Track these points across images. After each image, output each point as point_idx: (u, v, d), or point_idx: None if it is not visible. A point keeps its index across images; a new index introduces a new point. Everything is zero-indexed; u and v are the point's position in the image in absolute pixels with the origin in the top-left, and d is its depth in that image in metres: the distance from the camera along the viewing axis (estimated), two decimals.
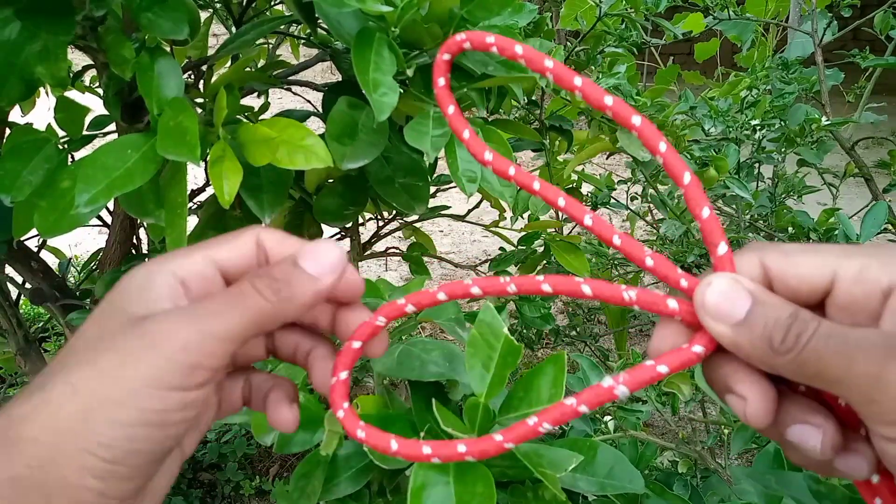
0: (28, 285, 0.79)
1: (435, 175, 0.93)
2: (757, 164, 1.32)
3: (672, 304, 0.25)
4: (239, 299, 0.26)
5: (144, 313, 0.25)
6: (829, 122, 1.17)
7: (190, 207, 0.82)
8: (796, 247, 0.25)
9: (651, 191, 1.22)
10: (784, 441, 0.25)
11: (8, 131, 0.65)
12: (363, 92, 0.47)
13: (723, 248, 0.25)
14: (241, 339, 0.26)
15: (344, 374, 0.29)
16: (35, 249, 0.83)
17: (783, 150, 1.26)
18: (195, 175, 0.59)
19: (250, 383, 0.31)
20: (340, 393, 0.29)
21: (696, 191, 0.26)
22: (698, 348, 0.25)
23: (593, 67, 1.12)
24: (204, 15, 0.71)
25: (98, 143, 0.55)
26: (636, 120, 0.26)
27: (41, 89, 0.64)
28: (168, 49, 0.56)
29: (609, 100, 0.26)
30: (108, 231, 0.78)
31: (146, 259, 0.73)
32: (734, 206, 1.45)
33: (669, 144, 0.26)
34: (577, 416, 0.26)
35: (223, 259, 0.27)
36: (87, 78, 0.79)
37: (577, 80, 0.27)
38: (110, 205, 0.79)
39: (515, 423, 0.27)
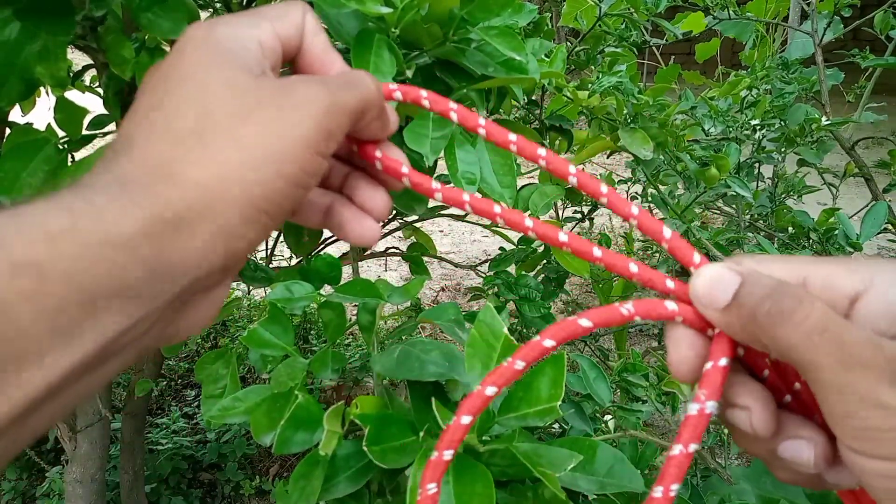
0: None
1: (435, 175, 0.93)
2: (757, 164, 1.32)
3: (671, 304, 0.25)
4: (355, 82, 0.27)
5: (259, 72, 0.26)
6: (829, 122, 1.17)
7: None
8: (769, 256, 0.25)
9: (652, 190, 1.22)
10: (775, 458, 0.25)
11: (8, 131, 0.65)
12: None
13: (697, 257, 0.26)
14: (357, 119, 0.27)
15: (467, 420, 0.27)
16: None
17: (783, 149, 1.26)
18: None
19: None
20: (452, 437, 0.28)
21: (648, 221, 0.27)
22: (723, 361, 0.25)
23: (593, 67, 1.12)
24: (204, 15, 0.71)
25: (98, 143, 0.55)
26: (542, 151, 0.28)
27: (41, 89, 0.64)
28: (168, 49, 0.57)
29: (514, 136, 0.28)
30: None
31: None
32: (734, 206, 1.45)
33: (580, 170, 0.28)
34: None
35: (283, 32, 0.28)
36: (87, 78, 0.79)
37: (481, 124, 0.29)
38: None
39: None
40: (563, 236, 0.27)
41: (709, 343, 0.25)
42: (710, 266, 0.25)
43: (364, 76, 0.28)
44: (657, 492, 0.25)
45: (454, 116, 0.29)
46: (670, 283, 0.26)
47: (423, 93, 0.30)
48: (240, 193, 0.23)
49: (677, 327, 0.26)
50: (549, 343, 0.26)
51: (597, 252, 0.27)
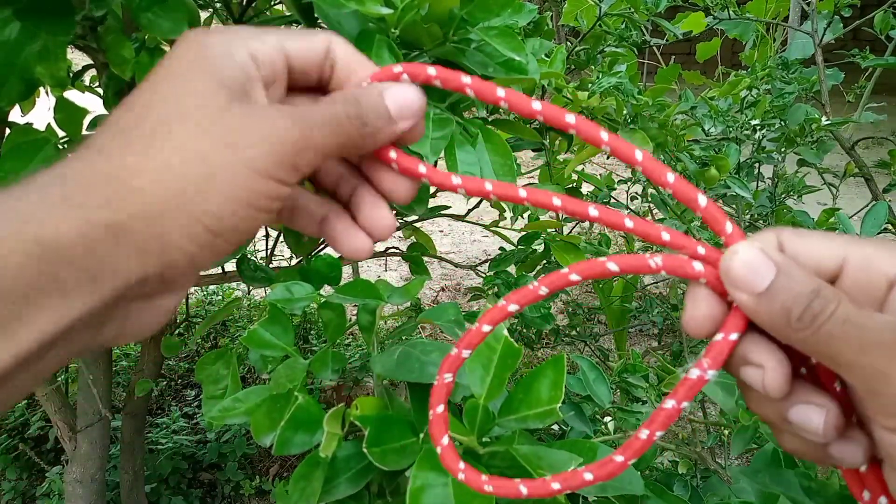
0: None
1: None
2: (757, 164, 1.32)
3: (698, 266, 0.25)
4: (334, 120, 0.26)
5: (242, 96, 0.25)
6: (829, 122, 1.17)
7: None
8: (811, 231, 0.25)
9: (651, 190, 1.22)
10: (784, 423, 0.25)
11: (8, 131, 0.65)
12: None
13: (729, 227, 0.25)
14: (327, 157, 0.27)
15: (441, 408, 0.30)
16: None
17: (783, 149, 1.26)
18: None
19: (295, 204, 0.31)
20: (439, 427, 0.30)
21: (683, 185, 0.26)
22: (734, 335, 0.25)
23: (593, 67, 1.12)
24: (204, 15, 0.71)
25: None
26: (604, 135, 0.26)
27: (41, 89, 0.64)
28: (168, 49, 0.56)
29: (571, 118, 0.27)
30: None
31: None
32: (734, 206, 1.45)
33: (645, 152, 0.26)
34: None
35: (293, 49, 0.27)
36: (87, 78, 0.79)
37: (537, 105, 0.27)
38: None
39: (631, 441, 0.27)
40: (593, 210, 0.27)
41: (726, 308, 0.25)
42: (746, 248, 0.24)
43: (367, 110, 0.27)
44: (643, 433, 0.26)
45: (470, 92, 0.28)
46: (701, 250, 0.26)
47: (432, 70, 0.28)
48: (180, 208, 0.23)
49: (699, 287, 0.26)
50: (574, 277, 0.26)
51: (629, 223, 0.27)
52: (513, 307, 0.27)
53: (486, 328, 0.28)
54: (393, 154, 0.29)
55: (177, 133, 0.24)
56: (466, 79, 0.28)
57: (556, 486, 0.27)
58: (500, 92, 0.28)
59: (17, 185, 0.22)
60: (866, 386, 0.23)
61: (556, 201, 0.27)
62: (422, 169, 0.29)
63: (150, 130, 0.24)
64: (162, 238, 0.23)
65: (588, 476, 0.27)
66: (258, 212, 0.25)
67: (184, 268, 0.24)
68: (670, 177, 0.26)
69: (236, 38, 0.26)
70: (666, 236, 0.26)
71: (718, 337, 0.25)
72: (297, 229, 0.31)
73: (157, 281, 0.24)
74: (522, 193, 0.28)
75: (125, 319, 0.25)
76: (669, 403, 0.25)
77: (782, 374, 0.24)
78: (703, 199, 0.26)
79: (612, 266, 0.26)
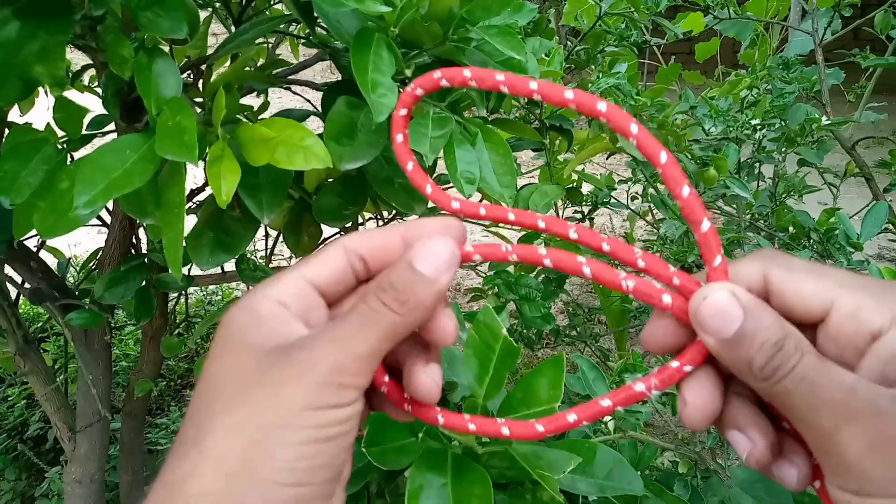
0: (27, 285, 0.79)
1: (434, 175, 0.93)
2: (757, 164, 1.32)
3: (667, 298, 0.26)
4: (372, 317, 0.26)
5: (274, 344, 0.25)
6: (829, 122, 1.17)
7: (190, 207, 0.82)
8: (802, 264, 0.25)
9: (651, 190, 1.22)
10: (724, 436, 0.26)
11: (7, 131, 0.65)
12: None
13: (717, 260, 0.25)
14: (382, 354, 0.26)
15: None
16: (34, 249, 0.83)
17: (783, 149, 1.26)
18: (194, 175, 0.59)
19: None
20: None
21: (695, 202, 0.26)
22: (688, 367, 0.26)
23: (593, 67, 1.12)
24: (203, 14, 0.70)
25: (97, 142, 0.55)
26: (633, 128, 0.26)
27: (40, 89, 0.64)
28: (167, 48, 0.56)
29: (603, 106, 0.26)
30: (107, 231, 0.78)
31: (145, 260, 0.73)
32: (734, 206, 1.45)
33: (670, 154, 0.26)
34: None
35: (314, 276, 0.28)
36: (86, 77, 0.78)
37: (569, 94, 0.27)
38: (109, 204, 0.79)
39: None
40: (573, 233, 0.27)
41: (687, 335, 0.26)
42: (717, 292, 0.24)
43: (402, 287, 0.26)
44: (570, 416, 0.27)
45: (504, 89, 0.27)
46: (677, 280, 0.26)
47: (467, 72, 0.27)
48: (254, 485, 0.23)
49: (665, 315, 0.26)
50: (547, 261, 0.27)
51: (606, 246, 0.27)
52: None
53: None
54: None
55: (222, 419, 0.24)
56: (500, 76, 0.27)
57: (539, 427, 0.28)
58: (534, 84, 0.27)
59: None
60: (816, 444, 0.23)
61: (541, 223, 0.28)
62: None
63: (197, 432, 0.24)
64: None
65: (505, 430, 0.28)
66: (327, 442, 0.24)
67: None
68: (685, 190, 0.25)
69: (256, 293, 0.27)
70: (642, 263, 0.26)
71: (674, 364, 0.26)
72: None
73: None
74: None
75: None
76: (606, 402, 0.27)
77: (702, 416, 0.25)
78: (705, 224, 0.25)
79: (587, 270, 0.26)
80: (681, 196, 0.25)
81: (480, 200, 1.08)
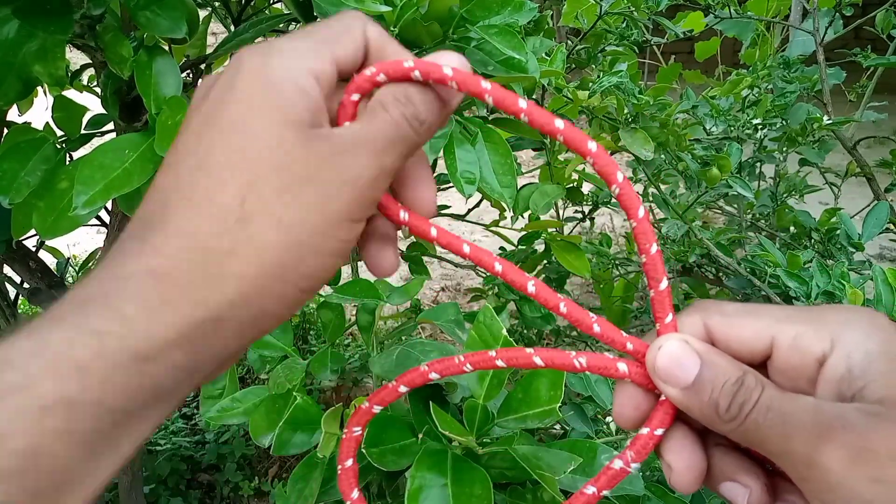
0: (26, 285, 0.79)
1: (434, 174, 0.92)
2: (759, 164, 1.32)
3: (622, 367, 0.26)
4: (398, 132, 0.25)
5: (313, 128, 0.24)
6: (830, 122, 1.17)
7: None
8: (736, 308, 0.25)
9: (653, 190, 1.21)
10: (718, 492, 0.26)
11: (6, 131, 0.65)
12: None
13: (669, 317, 0.26)
14: (400, 168, 0.26)
15: (349, 462, 0.31)
16: (33, 249, 0.83)
17: (785, 149, 1.26)
18: None
19: None
20: (348, 481, 0.31)
21: (658, 261, 0.26)
22: (659, 431, 0.25)
23: (594, 66, 1.12)
24: (202, 13, 0.70)
25: (96, 142, 0.55)
26: (592, 146, 0.25)
27: (39, 88, 0.63)
28: (166, 48, 0.56)
29: (559, 123, 0.26)
30: (106, 230, 0.77)
31: None
32: (736, 206, 1.45)
33: (646, 209, 0.26)
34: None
35: (341, 56, 0.26)
36: (85, 77, 0.78)
37: (523, 104, 0.26)
38: (109, 204, 0.79)
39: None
40: (531, 286, 0.27)
41: (654, 400, 0.26)
42: (669, 342, 0.25)
43: (421, 105, 0.25)
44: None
45: (489, 99, 0.26)
46: (630, 345, 0.26)
47: (448, 71, 0.25)
48: (277, 281, 0.23)
49: (626, 384, 0.26)
50: (500, 362, 0.27)
51: (563, 308, 0.27)
52: (403, 388, 0.29)
53: (377, 408, 0.30)
54: (404, 215, 0.28)
55: (267, 201, 0.23)
56: (486, 84, 0.26)
57: (591, 489, 0.28)
58: (523, 104, 0.26)
59: (112, 285, 0.22)
60: (796, 473, 0.23)
61: (498, 266, 0.28)
62: (433, 232, 0.29)
63: (239, 202, 0.23)
64: (261, 315, 0.23)
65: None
66: (342, 257, 0.25)
67: (272, 328, 0.24)
68: (653, 248, 0.26)
69: (297, 58, 0.24)
70: (597, 328, 0.26)
71: (644, 431, 0.26)
72: None
73: (243, 349, 0.24)
74: (498, 267, 0.28)
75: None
76: (590, 489, 0.27)
77: (689, 478, 0.25)
78: (664, 283, 0.26)
79: (538, 360, 0.26)
80: (648, 252, 0.26)
81: (480, 201, 1.08)
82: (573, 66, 1.13)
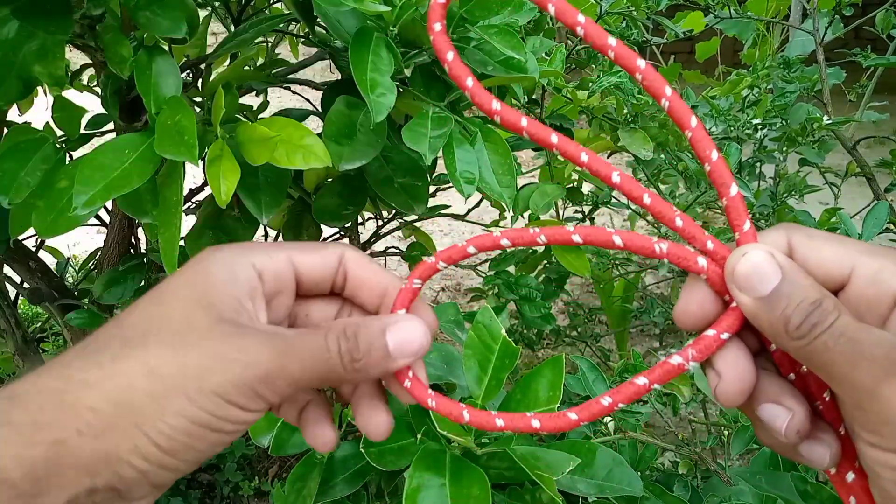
0: (26, 285, 0.79)
1: (434, 174, 0.93)
2: (758, 164, 1.31)
3: (702, 261, 0.25)
4: (322, 356, 0.26)
5: (232, 316, 0.25)
6: (830, 122, 1.17)
7: (189, 207, 0.82)
8: (823, 234, 0.25)
9: (653, 189, 1.21)
10: (755, 418, 0.26)
11: (6, 131, 0.65)
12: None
13: (747, 225, 0.25)
14: (302, 387, 0.26)
15: (417, 283, 0.29)
16: (33, 249, 0.83)
17: (785, 149, 1.26)
18: (193, 174, 0.59)
19: None
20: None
21: (723, 167, 0.26)
22: (725, 335, 0.25)
23: (594, 66, 1.12)
24: (202, 13, 0.70)
25: (96, 142, 0.55)
26: (667, 91, 0.26)
27: (39, 88, 0.63)
28: (166, 48, 0.56)
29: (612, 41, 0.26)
30: (106, 230, 0.77)
31: (144, 259, 0.73)
32: None
33: (699, 120, 0.26)
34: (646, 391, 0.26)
35: (304, 264, 0.28)
36: (85, 77, 0.78)
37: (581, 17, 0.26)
38: (108, 204, 0.79)
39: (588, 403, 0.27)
40: (616, 176, 0.27)
41: (721, 308, 0.26)
42: (755, 250, 0.24)
43: (363, 346, 0.26)
44: (605, 400, 0.26)
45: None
46: (710, 245, 0.26)
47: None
48: (129, 425, 0.23)
49: (698, 282, 0.26)
50: (577, 238, 0.26)
51: (647, 199, 0.26)
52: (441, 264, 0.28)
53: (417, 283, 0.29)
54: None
55: (144, 352, 0.24)
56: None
57: (535, 423, 0.27)
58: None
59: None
60: (853, 401, 0.23)
61: (542, 238, 0.27)
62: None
63: (121, 347, 0.24)
64: (109, 454, 0.23)
65: (535, 423, 0.27)
66: (215, 433, 0.25)
67: (136, 482, 0.24)
68: (714, 154, 0.26)
69: (243, 254, 0.27)
70: (679, 222, 0.26)
71: (710, 332, 0.25)
72: (279, 415, 0.31)
73: (108, 491, 0.24)
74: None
75: None
76: (641, 380, 0.26)
77: (737, 388, 0.25)
78: (734, 189, 0.26)
79: (617, 239, 0.26)
80: (709, 159, 0.25)
81: (480, 201, 1.08)
82: (573, 66, 1.12)
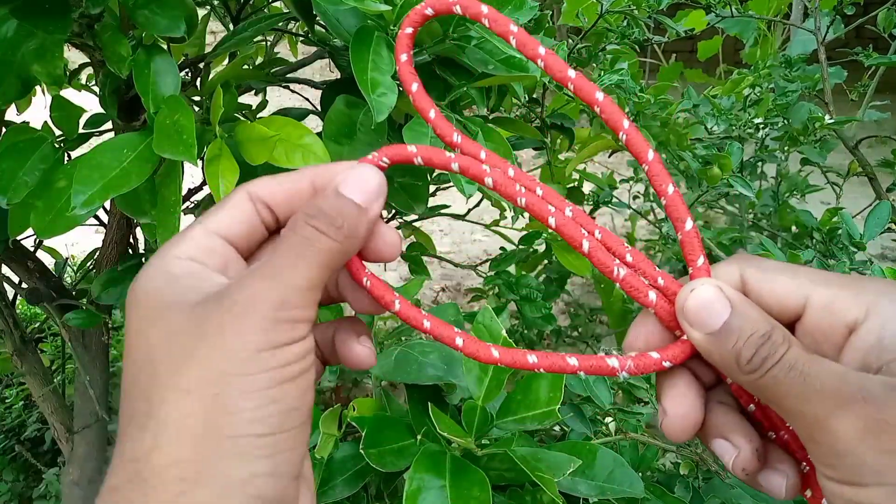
0: (24, 285, 0.79)
1: (435, 174, 0.92)
2: (760, 163, 1.31)
3: (652, 296, 0.26)
4: (307, 246, 0.24)
5: (201, 297, 0.24)
6: (832, 121, 1.17)
7: (188, 206, 0.82)
8: (775, 264, 0.25)
9: (653, 189, 1.21)
10: (711, 449, 0.26)
11: (4, 130, 0.65)
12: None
13: (700, 260, 0.26)
14: (322, 284, 0.25)
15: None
16: (31, 249, 0.83)
17: (786, 148, 1.25)
18: (192, 174, 0.58)
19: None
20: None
21: (678, 201, 0.26)
22: (667, 363, 0.25)
23: (595, 65, 1.11)
24: (201, 12, 0.70)
25: (95, 141, 0.54)
26: (599, 96, 0.26)
27: (37, 87, 0.63)
28: (165, 46, 0.56)
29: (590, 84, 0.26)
30: (104, 230, 0.77)
31: (143, 259, 0.73)
32: (737, 205, 1.44)
33: (656, 153, 0.26)
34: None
35: (221, 228, 0.26)
36: (83, 76, 0.78)
37: (541, 50, 0.27)
38: (107, 204, 0.79)
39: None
40: (552, 220, 0.27)
41: (669, 342, 0.26)
42: (703, 286, 0.25)
43: (333, 212, 0.25)
44: (531, 358, 0.26)
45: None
46: (661, 280, 0.26)
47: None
48: (218, 445, 0.22)
49: (648, 317, 0.26)
50: (552, 221, 0.26)
51: (597, 233, 0.26)
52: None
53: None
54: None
55: (174, 385, 0.22)
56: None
57: (495, 353, 0.27)
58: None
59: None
60: (806, 433, 0.23)
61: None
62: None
63: (147, 405, 0.22)
64: (224, 480, 0.22)
65: (459, 341, 0.27)
66: (292, 381, 0.23)
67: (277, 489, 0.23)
68: (670, 188, 0.26)
69: (166, 256, 0.25)
70: (629, 258, 0.26)
71: (655, 355, 0.25)
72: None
73: None
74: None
75: None
76: (573, 361, 0.26)
77: (682, 426, 0.25)
78: (689, 224, 0.26)
79: (585, 245, 0.26)
80: (665, 193, 0.26)
81: (480, 200, 1.08)
82: (574, 64, 1.12)
